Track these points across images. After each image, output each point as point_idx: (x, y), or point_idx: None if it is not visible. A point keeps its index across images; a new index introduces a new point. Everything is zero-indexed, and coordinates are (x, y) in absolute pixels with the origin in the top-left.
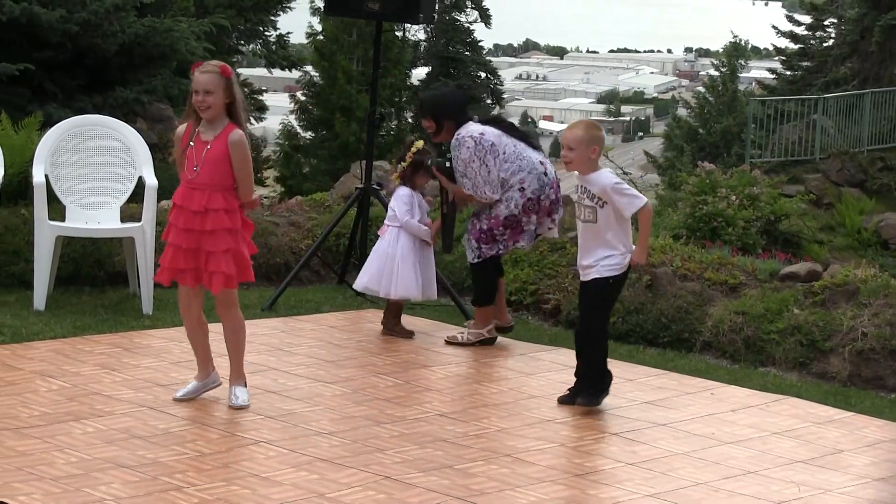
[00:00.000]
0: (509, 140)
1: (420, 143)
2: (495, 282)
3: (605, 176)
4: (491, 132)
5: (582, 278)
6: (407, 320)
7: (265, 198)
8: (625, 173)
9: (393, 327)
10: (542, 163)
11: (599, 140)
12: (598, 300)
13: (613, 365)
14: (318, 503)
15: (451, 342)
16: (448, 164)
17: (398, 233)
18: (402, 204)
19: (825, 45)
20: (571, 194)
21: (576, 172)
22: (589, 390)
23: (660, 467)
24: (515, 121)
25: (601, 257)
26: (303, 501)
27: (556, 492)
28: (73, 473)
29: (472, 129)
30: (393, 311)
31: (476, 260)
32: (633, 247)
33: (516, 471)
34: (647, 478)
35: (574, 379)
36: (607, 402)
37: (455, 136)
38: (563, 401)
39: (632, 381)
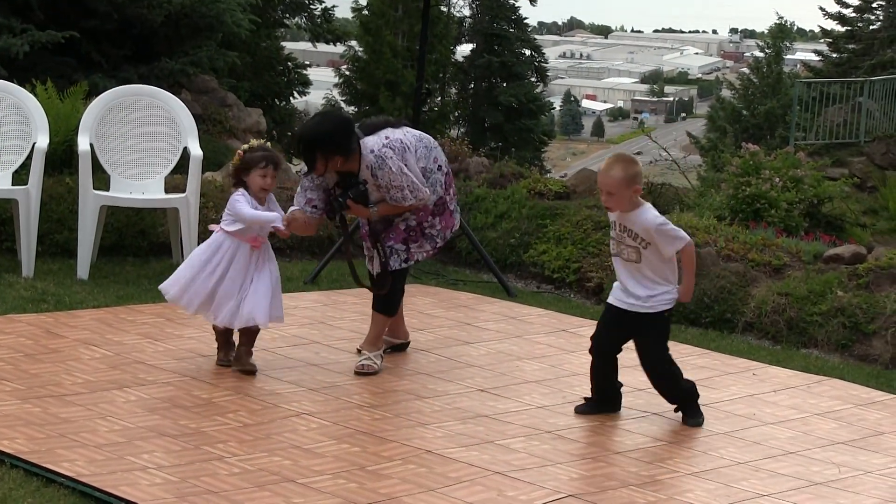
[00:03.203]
0: (399, 130)
1: (258, 142)
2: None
3: (649, 216)
4: (385, 133)
5: (636, 309)
6: (450, 295)
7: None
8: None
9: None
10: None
11: (639, 176)
12: (660, 334)
13: None
14: (360, 475)
15: (365, 372)
16: (363, 189)
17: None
18: (242, 204)
19: (872, 27)
20: (611, 230)
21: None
22: (687, 410)
23: (701, 446)
24: (558, 100)
25: (654, 294)
26: (344, 473)
27: (597, 469)
28: (115, 441)
29: (374, 140)
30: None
31: (403, 265)
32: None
33: (557, 447)
34: (688, 456)
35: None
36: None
37: (368, 157)
38: (580, 410)
39: None
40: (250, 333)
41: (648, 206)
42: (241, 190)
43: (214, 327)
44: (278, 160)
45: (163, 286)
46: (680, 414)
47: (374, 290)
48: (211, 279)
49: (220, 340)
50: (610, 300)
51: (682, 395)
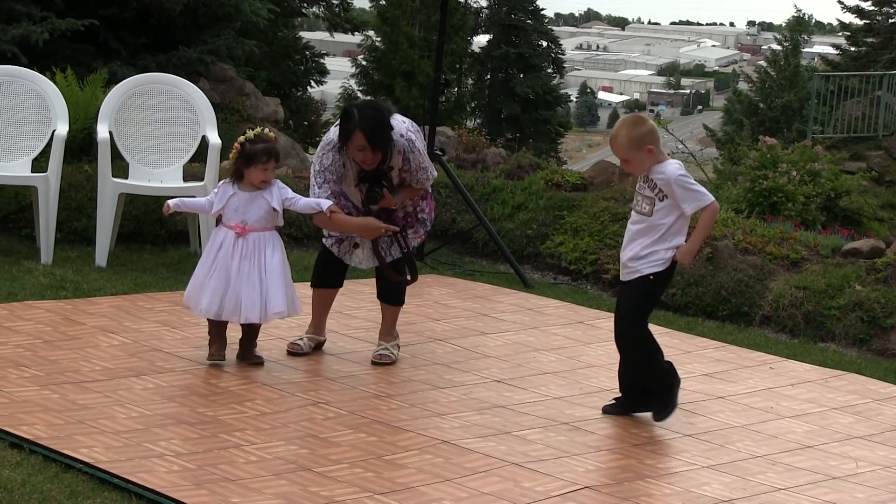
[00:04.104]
0: (400, 115)
1: (257, 131)
2: None
3: (672, 167)
4: (399, 118)
5: (623, 277)
6: (467, 285)
7: None
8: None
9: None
10: None
11: (648, 135)
12: (640, 299)
13: (672, 336)
14: (376, 465)
15: (383, 362)
16: (391, 176)
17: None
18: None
19: (891, 20)
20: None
21: None
22: (657, 404)
23: (717, 439)
24: (574, 91)
25: (644, 254)
26: (361, 462)
27: (614, 461)
28: (133, 428)
29: (399, 125)
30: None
31: (405, 251)
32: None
33: (574, 439)
34: (705, 449)
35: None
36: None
37: (400, 141)
38: (608, 410)
39: (690, 353)
40: (253, 328)
41: (674, 160)
42: (224, 183)
43: (209, 320)
44: (279, 152)
45: (185, 301)
46: (656, 410)
47: (408, 280)
48: (220, 275)
49: (214, 334)
50: None
51: (654, 378)
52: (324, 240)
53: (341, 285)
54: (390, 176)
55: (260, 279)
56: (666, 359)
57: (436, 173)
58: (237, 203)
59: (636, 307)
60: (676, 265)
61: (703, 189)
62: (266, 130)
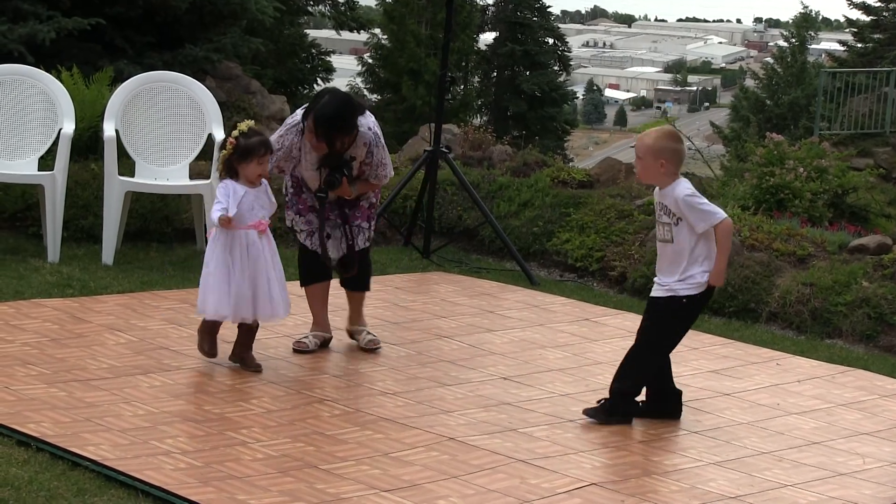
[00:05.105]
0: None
1: (248, 124)
2: None
3: (679, 187)
4: (368, 112)
5: (652, 292)
6: (473, 283)
7: None
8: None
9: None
10: None
11: (669, 152)
12: (665, 318)
13: None
14: (383, 462)
15: (377, 347)
16: (351, 166)
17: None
18: (217, 198)
19: None
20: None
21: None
22: (604, 405)
23: (724, 436)
24: (581, 88)
25: (679, 276)
26: (367, 460)
27: (620, 457)
28: (140, 426)
29: (367, 119)
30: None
31: (367, 243)
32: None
33: (580, 436)
34: (711, 446)
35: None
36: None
37: (367, 134)
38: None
39: (697, 350)
40: (251, 331)
41: (684, 180)
42: (226, 182)
43: (206, 320)
44: (271, 144)
45: (200, 308)
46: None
47: (344, 272)
48: (244, 280)
49: (208, 334)
50: None
51: (623, 392)
52: (297, 235)
53: (330, 277)
54: (351, 165)
55: (280, 276)
56: (674, 387)
57: (392, 172)
58: (251, 201)
59: (657, 324)
60: (713, 291)
61: (712, 207)
62: (252, 122)
